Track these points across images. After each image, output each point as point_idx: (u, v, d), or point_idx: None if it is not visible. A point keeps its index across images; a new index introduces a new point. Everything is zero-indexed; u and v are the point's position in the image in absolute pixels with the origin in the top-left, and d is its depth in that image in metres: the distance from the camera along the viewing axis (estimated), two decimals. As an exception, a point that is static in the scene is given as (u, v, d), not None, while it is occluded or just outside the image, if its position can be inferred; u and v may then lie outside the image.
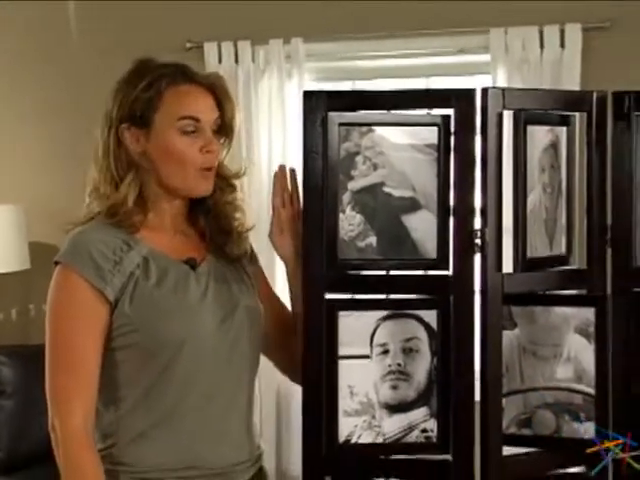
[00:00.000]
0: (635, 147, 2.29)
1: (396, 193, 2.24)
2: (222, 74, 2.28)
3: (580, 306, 2.29)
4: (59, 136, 4.60)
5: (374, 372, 2.24)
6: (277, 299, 2.39)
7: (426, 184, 2.24)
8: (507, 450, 2.24)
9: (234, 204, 2.24)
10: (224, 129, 2.20)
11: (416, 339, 2.25)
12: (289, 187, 2.31)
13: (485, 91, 2.19)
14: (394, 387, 2.25)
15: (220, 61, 4.38)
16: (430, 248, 2.24)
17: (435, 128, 2.23)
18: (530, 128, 2.25)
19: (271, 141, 4.35)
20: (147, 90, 2.12)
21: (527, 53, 4.12)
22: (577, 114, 2.35)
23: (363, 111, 2.23)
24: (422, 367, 2.25)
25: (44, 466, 2.85)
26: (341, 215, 2.22)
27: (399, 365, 2.24)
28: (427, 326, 2.25)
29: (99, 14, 4.58)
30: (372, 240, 2.23)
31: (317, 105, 2.20)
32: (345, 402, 2.24)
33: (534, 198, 2.27)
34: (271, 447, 4.26)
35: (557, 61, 4.09)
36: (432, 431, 2.25)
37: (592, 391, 2.28)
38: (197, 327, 2.11)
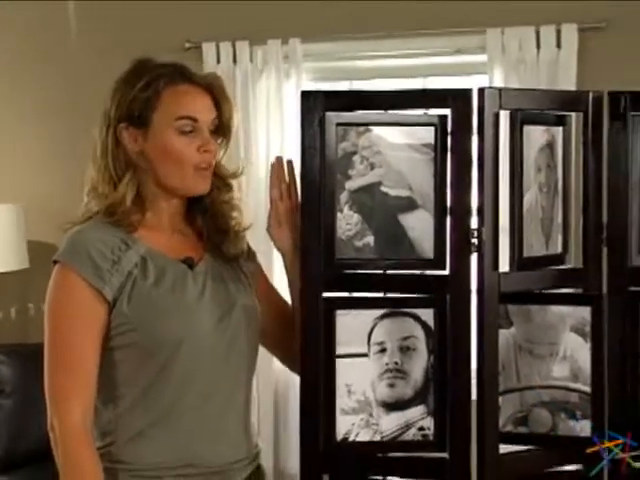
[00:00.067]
0: (631, 147, 2.29)
1: (393, 192, 2.24)
2: (220, 74, 2.30)
3: (576, 305, 2.30)
4: (58, 135, 4.60)
5: (371, 370, 2.25)
6: (277, 294, 2.39)
7: (423, 184, 2.24)
8: (503, 448, 2.24)
9: (231, 203, 2.25)
10: (221, 129, 2.20)
11: (413, 338, 2.26)
12: (286, 178, 2.32)
13: (482, 91, 2.19)
14: (391, 385, 2.25)
15: (218, 61, 4.38)
16: (427, 247, 2.24)
17: (432, 128, 2.23)
18: (526, 128, 2.25)
19: (269, 141, 4.35)
20: (145, 90, 2.13)
21: (523, 53, 4.13)
22: (573, 114, 2.35)
23: (360, 111, 2.23)
24: (419, 365, 2.25)
25: (43, 465, 2.85)
26: (339, 214, 2.23)
27: (396, 363, 2.25)
28: (424, 325, 2.25)
29: (98, 14, 4.58)
30: (369, 239, 2.24)
31: (315, 105, 2.21)
32: (343, 400, 2.24)
33: (530, 197, 2.27)
34: (269, 445, 4.26)
35: (553, 61, 4.09)
36: (429, 429, 2.26)
37: (588, 389, 2.28)
38: (195, 326, 2.12)
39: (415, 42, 4.30)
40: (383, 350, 2.25)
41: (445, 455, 2.24)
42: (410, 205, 2.24)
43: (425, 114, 2.30)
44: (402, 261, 2.25)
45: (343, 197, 2.23)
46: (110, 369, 2.11)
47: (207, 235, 2.24)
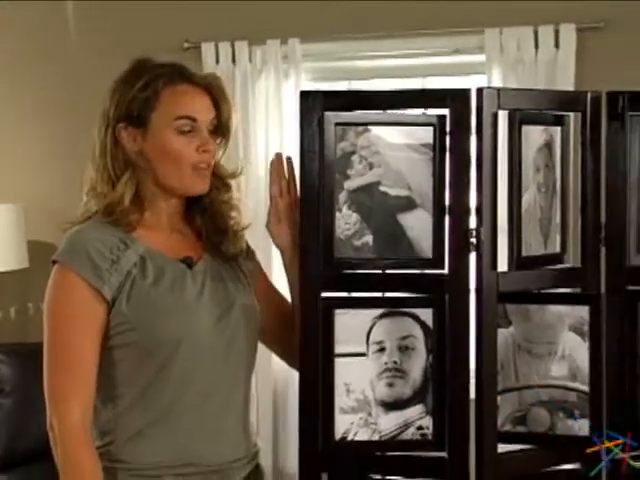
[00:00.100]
0: (629, 147, 2.29)
1: (392, 192, 2.25)
2: (219, 74, 2.30)
3: (574, 304, 2.30)
4: (58, 135, 4.60)
5: (370, 370, 2.25)
6: (276, 292, 2.40)
7: (422, 183, 2.24)
8: (502, 447, 2.25)
9: (230, 203, 2.25)
10: (220, 129, 2.21)
11: (412, 337, 2.26)
12: (286, 174, 2.32)
13: (480, 91, 2.20)
14: (390, 385, 2.26)
15: (217, 61, 4.38)
16: (426, 247, 2.25)
17: (431, 128, 2.23)
18: (525, 128, 2.26)
19: (268, 141, 4.35)
20: (144, 90, 2.13)
21: (522, 53, 4.13)
22: (571, 114, 2.36)
23: (359, 111, 2.23)
24: (418, 365, 2.26)
25: (42, 464, 2.85)
26: (337, 214, 2.23)
27: (395, 363, 2.25)
28: (423, 324, 2.26)
29: (97, 14, 4.58)
30: (368, 239, 2.24)
31: (314, 105, 2.21)
32: (341, 399, 2.25)
33: (529, 197, 2.28)
34: (268, 444, 4.27)
35: (551, 61, 4.09)
36: (428, 428, 2.26)
37: (586, 388, 2.29)
38: (194, 326, 2.12)
39: (414, 42, 4.30)
40: (382, 349, 2.26)
41: (444, 454, 2.24)
42: (409, 205, 2.25)
43: (424, 114, 2.30)
44: (401, 261, 2.26)
45: (342, 197, 2.23)
46: (109, 368, 2.12)
47: (206, 235, 2.24)
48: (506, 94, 2.25)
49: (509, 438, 2.31)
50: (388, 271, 2.27)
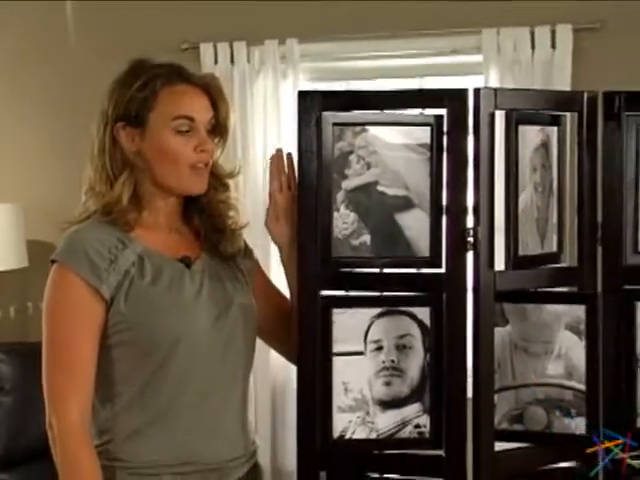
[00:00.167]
0: (625, 147, 2.30)
1: (390, 192, 2.25)
2: (218, 74, 2.31)
3: (571, 304, 2.31)
4: (57, 135, 4.60)
5: (368, 368, 2.26)
6: (274, 289, 2.40)
7: (419, 183, 2.25)
8: (499, 446, 2.25)
9: (228, 203, 2.26)
10: (218, 129, 2.21)
11: (409, 336, 2.27)
12: (286, 170, 2.31)
13: (477, 91, 2.20)
14: (388, 383, 2.26)
15: (216, 62, 4.39)
16: (423, 246, 2.25)
17: (428, 128, 2.24)
18: (522, 128, 2.26)
19: (266, 141, 4.35)
20: (142, 90, 2.13)
21: (519, 54, 4.13)
22: (568, 114, 2.36)
23: (357, 111, 2.24)
24: (415, 363, 2.27)
25: (42, 463, 2.85)
26: (335, 214, 2.24)
27: (393, 361, 2.26)
28: (420, 323, 2.26)
29: (96, 15, 4.58)
30: (366, 238, 2.25)
31: (311, 105, 2.21)
32: (339, 398, 2.25)
33: (526, 197, 2.28)
34: (266, 443, 4.27)
35: (548, 61, 4.10)
36: (425, 427, 2.27)
37: (583, 387, 2.29)
38: (192, 325, 2.13)
39: (411, 42, 4.30)
40: (379, 348, 2.26)
41: (441, 452, 2.25)
42: (406, 204, 2.25)
43: (421, 114, 2.30)
44: (398, 260, 2.26)
45: (340, 196, 2.23)
46: (107, 367, 2.12)
47: (204, 234, 2.25)
48: (503, 94, 2.26)
49: (506, 436, 2.31)
50: (386, 270, 2.27)
